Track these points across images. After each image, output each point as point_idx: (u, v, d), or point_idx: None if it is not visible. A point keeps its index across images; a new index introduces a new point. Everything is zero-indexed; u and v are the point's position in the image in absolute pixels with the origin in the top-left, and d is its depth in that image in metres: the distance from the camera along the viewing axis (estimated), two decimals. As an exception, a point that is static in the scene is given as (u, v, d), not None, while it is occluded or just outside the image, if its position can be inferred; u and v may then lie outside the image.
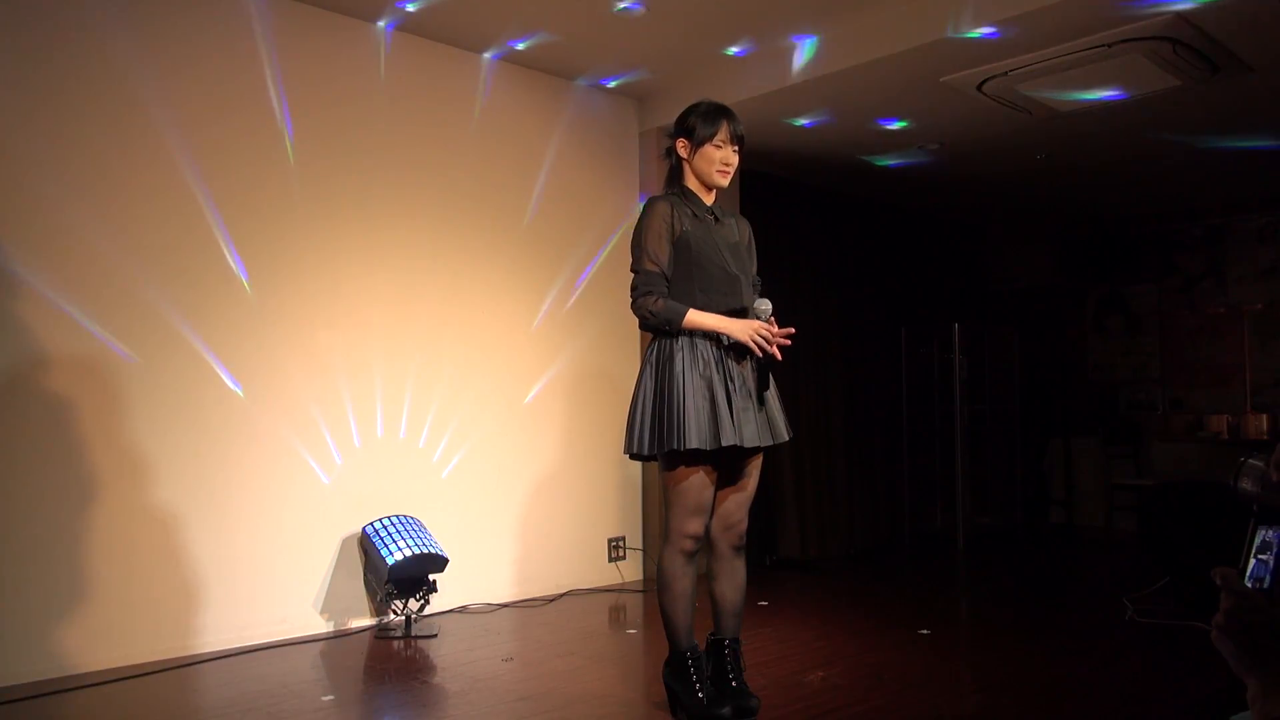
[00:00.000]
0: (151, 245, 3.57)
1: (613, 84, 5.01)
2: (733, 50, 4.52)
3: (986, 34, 3.89)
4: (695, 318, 2.72)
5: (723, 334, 2.73)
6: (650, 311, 2.74)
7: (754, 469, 2.87)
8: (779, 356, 2.73)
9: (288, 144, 3.95)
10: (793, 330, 2.75)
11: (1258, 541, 1.03)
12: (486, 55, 4.61)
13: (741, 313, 2.83)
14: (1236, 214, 6.89)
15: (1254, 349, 6.80)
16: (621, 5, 3.99)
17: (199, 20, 3.73)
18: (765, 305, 2.74)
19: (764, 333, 2.71)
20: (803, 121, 5.01)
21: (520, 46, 4.51)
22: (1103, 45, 3.95)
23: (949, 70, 4.29)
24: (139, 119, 3.55)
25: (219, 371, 3.71)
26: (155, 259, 3.57)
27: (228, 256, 3.76)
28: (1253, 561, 1.03)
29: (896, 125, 5.10)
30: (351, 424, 4.09)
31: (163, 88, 3.62)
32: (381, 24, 4.24)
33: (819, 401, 6.13)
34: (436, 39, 4.41)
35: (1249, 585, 1.03)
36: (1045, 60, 4.12)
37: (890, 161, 5.72)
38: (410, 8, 4.08)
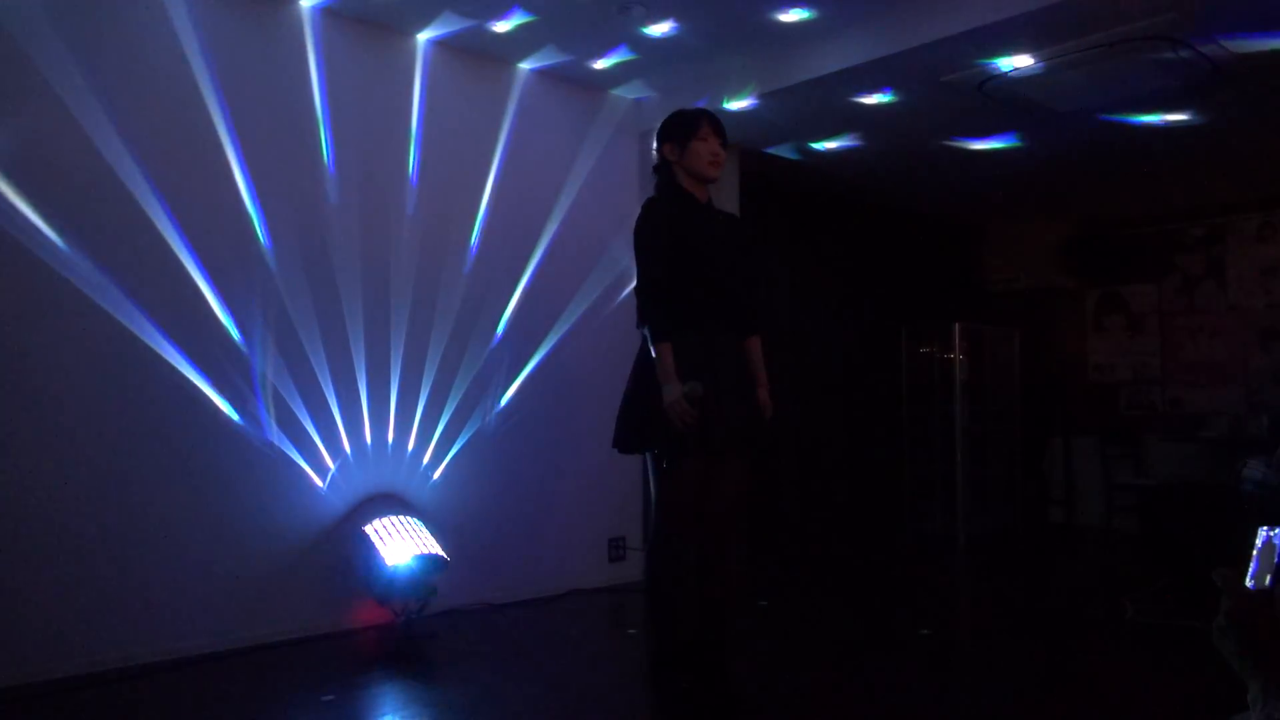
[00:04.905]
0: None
1: (612, 84, 5.00)
2: (732, 51, 4.51)
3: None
4: (662, 358, 2.70)
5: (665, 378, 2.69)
6: (652, 327, 2.75)
7: (742, 469, 2.87)
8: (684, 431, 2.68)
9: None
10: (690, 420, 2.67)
11: (1259, 542, 1.03)
12: (485, 56, 4.60)
13: (739, 311, 2.87)
14: (1236, 214, 6.89)
15: (1254, 349, 6.80)
16: (623, 4, 3.99)
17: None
18: (698, 388, 2.68)
19: (683, 415, 2.65)
20: (803, 122, 5.01)
21: (520, 48, 4.51)
22: (1103, 45, 3.95)
23: (949, 70, 4.28)
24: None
25: (211, 383, 3.71)
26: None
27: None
28: (1253, 562, 1.03)
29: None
30: (345, 426, 4.09)
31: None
32: (372, 18, 4.23)
33: (819, 401, 6.13)
34: (430, 37, 4.41)
35: (1250, 586, 1.03)
36: (1045, 60, 4.12)
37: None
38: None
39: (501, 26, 4.17)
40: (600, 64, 4.69)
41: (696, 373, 2.70)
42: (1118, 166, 6.03)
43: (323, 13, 4.07)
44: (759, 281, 3.03)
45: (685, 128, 2.88)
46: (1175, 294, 7.21)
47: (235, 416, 3.75)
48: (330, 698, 3.09)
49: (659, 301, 2.76)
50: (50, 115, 3.37)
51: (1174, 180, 6.38)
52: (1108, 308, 7.54)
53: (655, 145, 2.97)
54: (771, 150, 5.47)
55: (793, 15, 4.06)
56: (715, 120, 2.90)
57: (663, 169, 2.94)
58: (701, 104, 4.69)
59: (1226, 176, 6.27)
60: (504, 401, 4.62)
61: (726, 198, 4.97)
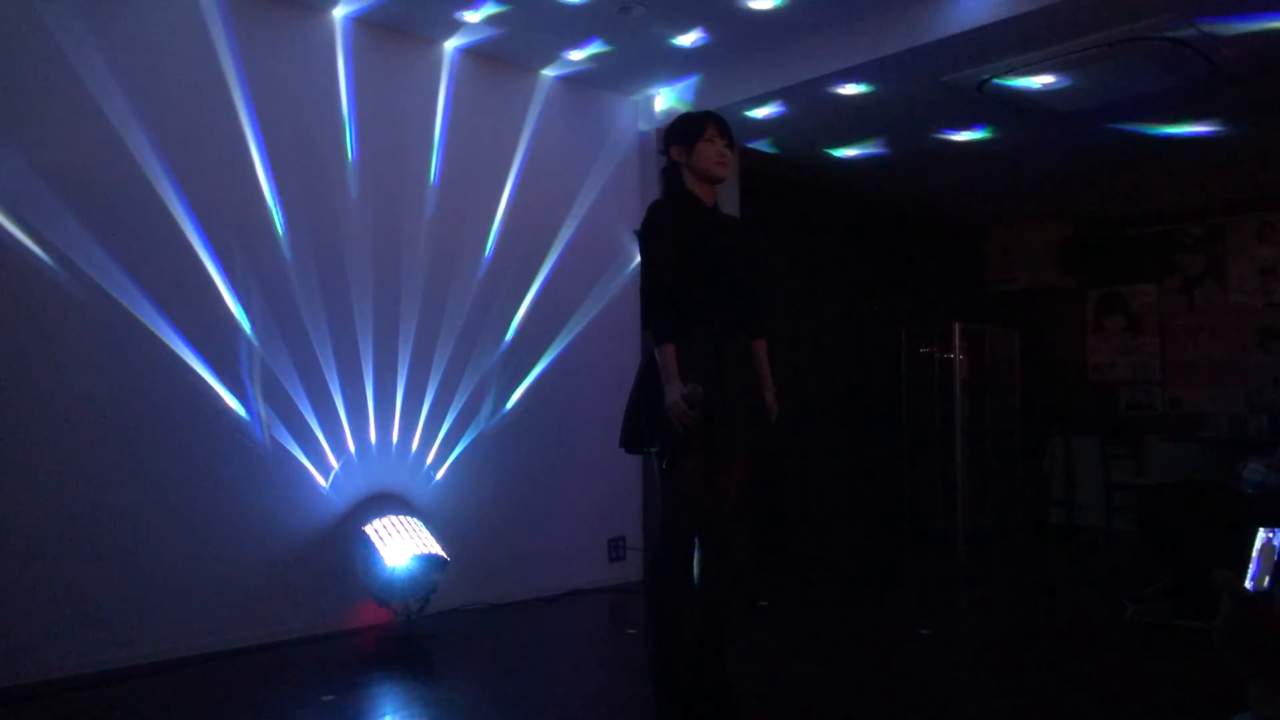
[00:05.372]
0: (142, 256, 3.57)
1: (612, 85, 5.00)
2: (733, 51, 4.51)
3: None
4: (665, 360, 2.68)
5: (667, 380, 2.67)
6: (655, 329, 2.75)
7: (742, 469, 2.87)
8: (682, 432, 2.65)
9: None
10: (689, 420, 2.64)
11: (1259, 543, 1.03)
12: (487, 58, 4.60)
13: (745, 313, 2.88)
14: (1236, 214, 6.89)
15: (1254, 349, 6.80)
16: (623, 5, 4.00)
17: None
18: (698, 390, 2.64)
19: (681, 417, 2.61)
20: (803, 122, 5.01)
21: (522, 49, 4.51)
22: (1103, 45, 3.95)
23: (949, 70, 4.28)
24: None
25: (216, 376, 3.71)
26: (148, 268, 3.58)
27: (220, 268, 3.76)
28: (1253, 564, 1.03)
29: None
30: (350, 425, 4.09)
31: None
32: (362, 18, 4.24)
33: (820, 401, 6.13)
34: (433, 40, 4.41)
35: (1250, 588, 1.03)
36: (1045, 60, 4.12)
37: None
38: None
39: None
40: (603, 64, 4.70)
41: (701, 373, 2.70)
42: (1118, 166, 6.03)
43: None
44: (765, 284, 3.03)
45: (691, 129, 2.89)
46: (1175, 294, 7.20)
47: (241, 413, 3.75)
48: (330, 698, 3.09)
49: (663, 304, 2.76)
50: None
51: (1174, 180, 6.38)
52: (1108, 308, 7.54)
53: (663, 148, 2.97)
54: (770, 150, 5.48)
55: (774, 4, 4.03)
56: (721, 121, 2.92)
57: (670, 171, 2.96)
58: (685, 104, 4.69)
59: (1226, 176, 6.27)
60: (510, 405, 4.64)
61: (727, 198, 4.97)
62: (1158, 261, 7.28)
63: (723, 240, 2.86)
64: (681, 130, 2.92)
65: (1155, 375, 7.26)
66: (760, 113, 4.82)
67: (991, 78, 4.33)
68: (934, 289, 7.16)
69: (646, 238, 2.84)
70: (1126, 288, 7.43)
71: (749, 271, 2.92)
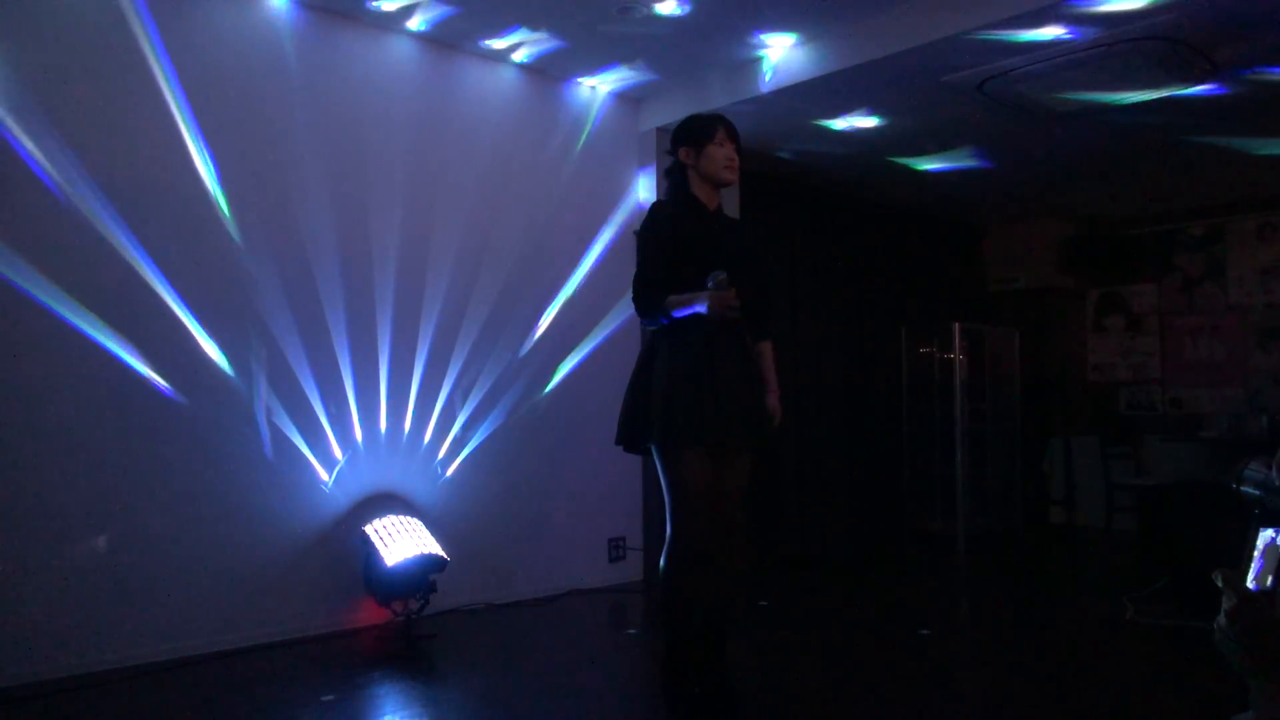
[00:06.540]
0: (158, 245, 3.57)
1: (613, 85, 5.01)
2: (733, 51, 4.51)
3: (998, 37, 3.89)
4: (671, 300, 2.74)
5: (697, 310, 2.72)
6: (647, 309, 2.80)
7: (741, 467, 2.86)
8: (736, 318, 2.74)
9: (295, 146, 3.96)
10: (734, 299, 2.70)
11: (1262, 543, 1.03)
12: (486, 57, 4.61)
13: (747, 316, 2.86)
14: (1236, 214, 6.89)
15: (1254, 349, 6.80)
16: (623, 5, 4.00)
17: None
18: (721, 275, 2.70)
19: (728, 302, 2.69)
20: (803, 122, 5.01)
21: (520, 48, 4.52)
22: (1103, 45, 3.95)
23: (949, 70, 4.28)
24: (149, 106, 3.58)
25: (219, 371, 3.71)
26: (160, 256, 3.57)
27: (236, 256, 3.76)
28: (1255, 563, 1.03)
29: (891, 121, 5.10)
30: (353, 423, 4.09)
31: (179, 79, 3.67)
32: (384, 25, 4.24)
33: (820, 401, 6.13)
34: (437, 41, 4.41)
35: (1252, 586, 1.03)
36: (1045, 60, 4.12)
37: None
38: (412, 8, 4.08)
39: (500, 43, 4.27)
40: (602, 64, 4.71)
41: (697, 364, 2.70)
42: (1118, 166, 6.03)
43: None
44: (767, 287, 3.02)
45: (701, 132, 2.89)
46: (1175, 294, 7.21)
47: (238, 412, 3.75)
48: (330, 698, 3.09)
49: (653, 303, 2.77)
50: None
51: (1174, 180, 6.38)
52: (1108, 308, 7.54)
53: (670, 148, 2.97)
54: (772, 151, 5.48)
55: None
56: (730, 126, 2.91)
57: (675, 173, 2.94)
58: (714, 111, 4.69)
59: (1226, 176, 6.27)
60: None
61: (728, 198, 4.97)
62: (1158, 261, 7.28)
63: (722, 244, 2.85)
64: (691, 132, 2.91)
65: (1155, 375, 7.26)
66: (758, 111, 4.82)
67: (992, 77, 4.33)
68: (934, 289, 7.16)
69: (644, 237, 2.85)
70: (1126, 288, 7.44)
71: (751, 275, 2.90)
